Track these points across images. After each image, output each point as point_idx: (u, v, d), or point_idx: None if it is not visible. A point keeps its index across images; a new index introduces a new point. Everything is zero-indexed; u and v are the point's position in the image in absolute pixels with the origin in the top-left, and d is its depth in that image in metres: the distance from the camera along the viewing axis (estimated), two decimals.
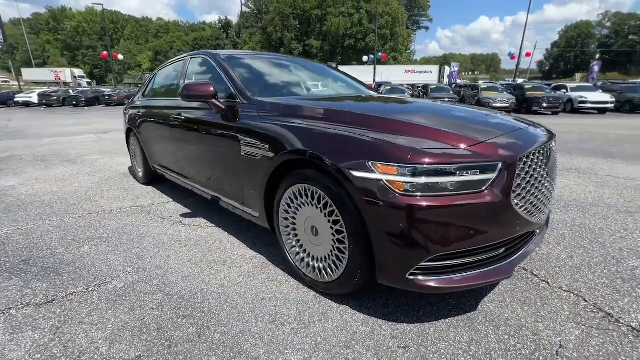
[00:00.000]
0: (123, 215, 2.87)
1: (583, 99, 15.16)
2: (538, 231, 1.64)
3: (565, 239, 2.25)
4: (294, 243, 1.79)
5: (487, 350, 1.29)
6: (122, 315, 1.54)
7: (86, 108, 21.27)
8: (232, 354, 1.30)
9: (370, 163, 1.29)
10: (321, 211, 1.56)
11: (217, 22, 76.76)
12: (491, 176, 1.27)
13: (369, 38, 52.72)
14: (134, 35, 71.59)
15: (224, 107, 2.14)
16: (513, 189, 1.32)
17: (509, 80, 28.82)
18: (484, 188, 1.26)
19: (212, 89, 2.10)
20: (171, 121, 2.77)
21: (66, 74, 39.78)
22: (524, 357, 1.26)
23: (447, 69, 35.89)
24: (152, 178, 3.75)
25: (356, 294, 1.64)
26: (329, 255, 1.59)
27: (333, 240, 1.54)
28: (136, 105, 3.69)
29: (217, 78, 2.39)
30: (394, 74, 33.79)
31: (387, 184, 1.26)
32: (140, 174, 3.86)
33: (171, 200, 3.27)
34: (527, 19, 24.67)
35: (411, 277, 1.31)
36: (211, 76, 2.49)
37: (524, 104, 15.25)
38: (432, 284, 1.31)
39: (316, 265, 1.66)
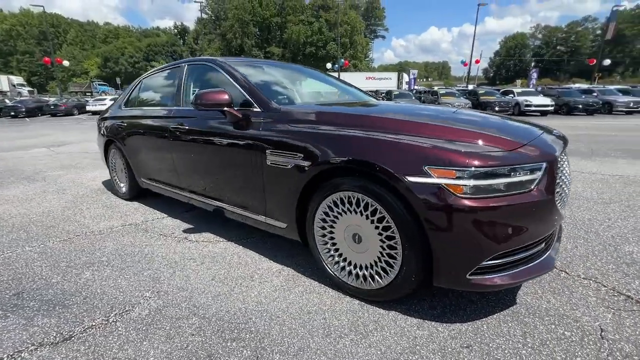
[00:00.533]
0: (117, 235, 2.62)
1: (528, 103, 16.72)
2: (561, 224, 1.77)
3: (564, 231, 2.45)
4: (333, 252, 1.76)
5: (543, 341, 1.36)
6: (162, 346, 1.40)
7: (27, 119, 19.22)
8: None
9: (426, 168, 1.32)
10: (367, 218, 1.55)
11: (173, 28, 73.82)
12: (538, 175, 1.35)
13: (330, 46, 53.91)
14: (79, 40, 66.45)
15: (240, 116, 2.06)
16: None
17: (459, 86, 30.98)
18: (532, 187, 1.34)
19: (227, 97, 2.01)
20: (169, 131, 2.60)
21: (1, 81, 35.60)
22: (576, 343, 1.35)
23: (404, 76, 37.68)
24: (138, 193, 3.49)
25: (399, 300, 1.65)
26: (376, 262, 1.58)
27: (382, 246, 1.53)
28: (118, 115, 3.42)
29: (224, 86, 2.30)
30: (355, 81, 34.73)
31: (447, 187, 1.29)
32: (124, 189, 3.57)
33: (166, 215, 3.06)
34: (474, 32, 26.79)
35: (471, 277, 1.34)
36: (217, 84, 2.39)
37: (478, 108, 16.49)
38: (489, 282, 1.35)
39: (360, 273, 1.65)
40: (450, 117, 1.79)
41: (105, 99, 21.84)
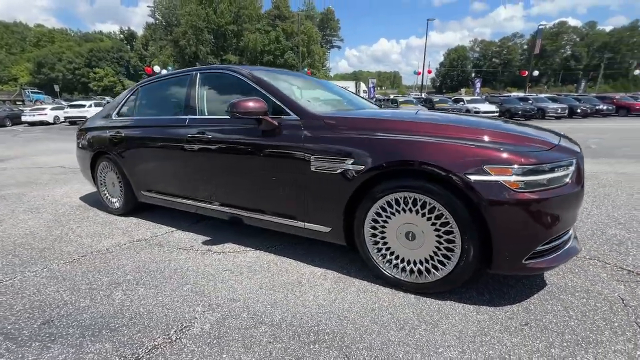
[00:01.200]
0: (130, 252, 2.46)
1: (477, 109, 18.35)
2: None
3: None
4: (384, 251, 1.85)
5: (583, 312, 1.58)
6: (243, 357, 1.38)
7: None
8: None
9: (486, 167, 1.48)
10: (423, 216, 1.68)
11: (119, 33, 69.17)
12: (571, 170, 1.58)
13: (287, 55, 54.27)
14: (4, 42, 59.40)
15: (276, 124, 2.09)
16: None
17: (414, 94, 33.02)
18: (567, 180, 1.56)
19: (264, 105, 2.04)
20: (184, 141, 2.51)
21: None
22: (608, 311, 1.59)
23: (362, 85, 39.18)
24: (134, 207, 3.28)
25: (450, 291, 1.78)
26: (431, 256, 1.70)
27: (438, 241, 1.67)
28: (110, 125, 3.20)
29: (251, 94, 2.31)
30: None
31: (505, 183, 1.46)
32: (117, 204, 3.32)
33: (174, 229, 2.92)
34: (425, 45, 28.85)
35: (527, 262, 1.52)
36: (241, 92, 2.37)
37: None
38: (539, 266, 1.55)
39: (415, 268, 1.76)
40: (490, 123, 1.96)
41: (45, 109, 19.77)
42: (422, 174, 1.64)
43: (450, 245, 1.64)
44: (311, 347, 1.42)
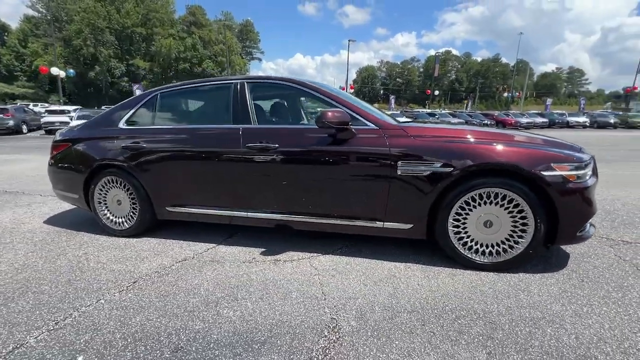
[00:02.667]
0: (190, 272, 2.26)
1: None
2: None
3: None
4: (465, 239, 2.19)
5: (607, 268, 2.19)
6: (414, 339, 1.53)
7: None
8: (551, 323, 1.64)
9: (553, 165, 1.97)
10: (501, 206, 2.09)
11: None
12: (592, 166, 2.19)
13: (206, 64, 51.91)
14: None
15: (355, 132, 2.27)
16: None
17: None
18: (592, 173, 2.17)
19: (348, 115, 2.22)
20: (241, 151, 2.46)
21: None
22: (616, 267, 2.23)
23: None
24: (149, 227, 2.95)
25: (515, 266, 2.21)
26: (507, 239, 2.12)
27: (514, 225, 2.09)
28: (122, 135, 2.84)
29: (318, 105, 2.45)
30: None
31: (566, 177, 1.97)
32: (127, 225, 2.93)
33: (213, 244, 2.74)
34: (347, 63, 31.27)
35: (579, 234, 2.05)
36: (305, 104, 2.48)
37: None
38: (585, 237, 2.10)
39: (493, 250, 2.15)
40: (532, 134, 2.50)
41: None
42: (502, 172, 2.05)
43: (524, 228, 2.08)
44: (460, 322, 1.66)
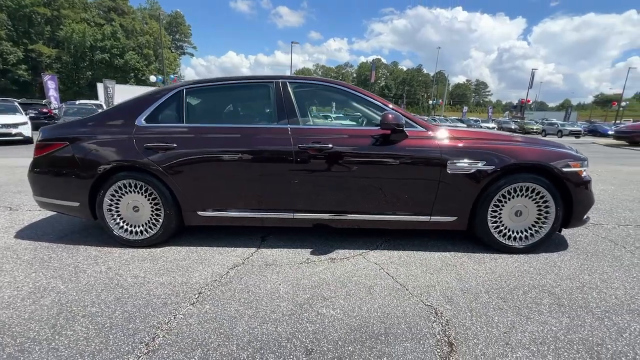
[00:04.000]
0: (252, 278, 2.18)
1: None
2: None
3: None
4: (501, 227, 2.54)
5: (595, 244, 2.75)
6: (532, 315, 1.76)
7: None
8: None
9: (569, 162, 2.43)
10: (529, 197, 2.48)
11: None
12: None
13: (129, 55, 46.74)
14: None
15: (407, 134, 2.46)
16: None
17: None
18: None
19: (403, 118, 2.40)
20: (291, 152, 2.44)
21: None
22: (600, 243, 2.82)
23: None
24: (173, 234, 2.71)
25: (541, 247, 2.63)
26: (533, 225, 2.53)
27: (539, 213, 2.50)
28: (143, 135, 2.55)
29: (364, 109, 2.59)
30: None
31: (578, 172, 2.45)
32: (147, 233, 2.63)
33: (252, 248, 2.64)
34: (291, 65, 31.30)
35: (584, 218, 2.55)
36: (351, 108, 2.58)
37: None
38: (586, 221, 2.61)
39: (522, 235, 2.54)
40: (542, 138, 2.97)
41: None
42: (533, 169, 2.44)
43: (546, 215, 2.50)
44: (529, 295, 1.95)
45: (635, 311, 1.80)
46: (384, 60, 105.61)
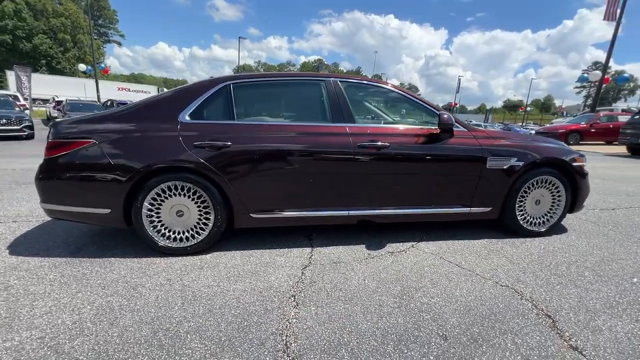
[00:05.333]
0: (327, 276, 2.18)
1: None
2: None
3: None
4: (526, 216, 2.91)
5: (596, 224, 3.32)
6: (594, 286, 2.07)
7: None
8: None
9: (576, 157, 2.91)
10: (546, 188, 2.90)
11: None
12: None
13: (39, 39, 40.14)
14: None
15: (454, 134, 2.69)
16: None
17: None
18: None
19: (453, 119, 2.62)
20: (351, 151, 2.49)
21: None
22: (590, 226, 3.41)
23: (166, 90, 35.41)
24: (219, 239, 2.54)
25: (553, 230, 3.07)
26: (548, 212, 2.96)
27: (553, 201, 2.94)
28: (190, 132, 2.34)
29: (412, 108, 2.75)
30: (106, 90, 28.62)
31: (581, 165, 2.94)
32: (195, 240, 2.42)
33: (307, 247, 2.62)
34: (238, 61, 30.13)
35: (583, 205, 3.07)
36: (404, 108, 2.72)
37: None
38: (583, 206, 3.14)
39: (540, 221, 2.95)
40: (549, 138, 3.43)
41: None
42: (551, 164, 2.86)
43: (559, 203, 2.95)
44: (574, 268, 2.31)
45: None
46: (325, 61, 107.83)
